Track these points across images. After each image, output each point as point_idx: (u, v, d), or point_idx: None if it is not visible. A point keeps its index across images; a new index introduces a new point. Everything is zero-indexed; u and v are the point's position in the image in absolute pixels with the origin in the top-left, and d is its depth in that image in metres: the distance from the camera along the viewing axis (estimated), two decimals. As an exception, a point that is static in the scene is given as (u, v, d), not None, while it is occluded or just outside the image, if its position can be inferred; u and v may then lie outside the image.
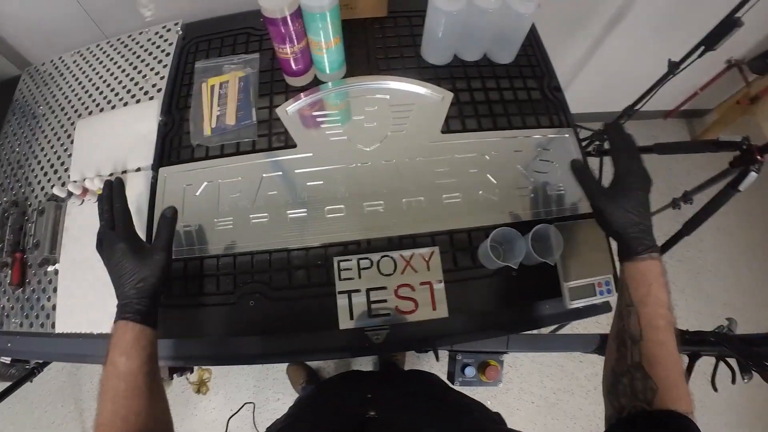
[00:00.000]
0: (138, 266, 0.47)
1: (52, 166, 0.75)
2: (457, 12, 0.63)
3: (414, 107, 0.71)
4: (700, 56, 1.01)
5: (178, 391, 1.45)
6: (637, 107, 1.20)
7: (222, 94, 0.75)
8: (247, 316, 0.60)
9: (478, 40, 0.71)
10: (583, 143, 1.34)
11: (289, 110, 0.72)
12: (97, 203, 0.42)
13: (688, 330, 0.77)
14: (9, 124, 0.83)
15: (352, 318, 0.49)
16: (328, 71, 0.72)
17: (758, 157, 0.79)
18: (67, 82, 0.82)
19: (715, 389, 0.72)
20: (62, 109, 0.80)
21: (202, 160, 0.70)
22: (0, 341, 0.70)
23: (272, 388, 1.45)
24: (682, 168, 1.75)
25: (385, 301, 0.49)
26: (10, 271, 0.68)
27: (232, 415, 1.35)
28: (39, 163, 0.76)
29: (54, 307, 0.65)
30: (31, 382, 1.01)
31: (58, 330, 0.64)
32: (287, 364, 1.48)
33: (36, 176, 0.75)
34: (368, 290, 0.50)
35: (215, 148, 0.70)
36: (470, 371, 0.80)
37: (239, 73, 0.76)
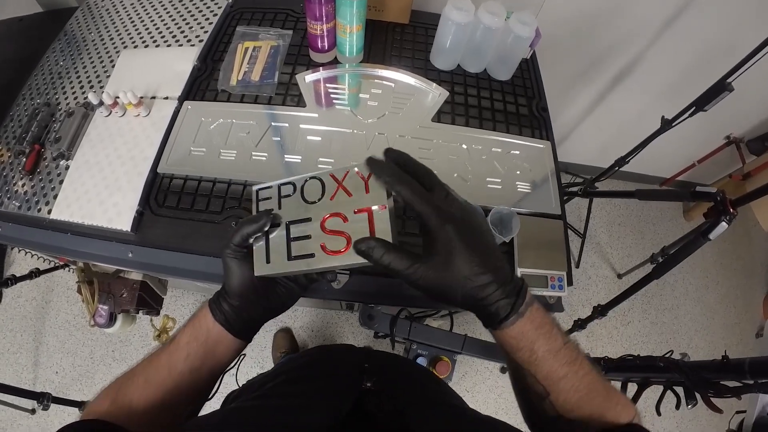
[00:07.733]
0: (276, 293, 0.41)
1: (89, 82, 0.84)
2: (465, 24, 0.75)
3: (413, 97, 0.81)
4: (690, 116, 1.05)
5: (141, 332, 1.45)
6: (628, 159, 1.27)
7: (253, 56, 0.85)
8: (226, 236, 0.67)
9: (480, 53, 0.83)
10: (576, 188, 1.46)
11: (308, 78, 0.82)
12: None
13: (639, 355, 0.81)
14: (59, 42, 0.93)
15: (268, 261, 0.37)
16: (347, 54, 0.83)
17: (731, 209, 0.83)
18: (120, 18, 0.94)
19: (659, 413, 0.76)
20: (111, 39, 0.90)
21: (222, 102, 0.79)
22: (-6, 226, 0.76)
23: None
24: (663, 239, 1.81)
25: (308, 237, 0.35)
26: (25, 159, 0.75)
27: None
28: (78, 78, 0.85)
29: (55, 197, 0.71)
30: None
31: (52, 216, 0.70)
32: (277, 329, 1.47)
33: (72, 88, 0.84)
34: (288, 224, 0.36)
35: (236, 96, 0.80)
36: (422, 362, 0.84)
37: (272, 42, 0.87)
